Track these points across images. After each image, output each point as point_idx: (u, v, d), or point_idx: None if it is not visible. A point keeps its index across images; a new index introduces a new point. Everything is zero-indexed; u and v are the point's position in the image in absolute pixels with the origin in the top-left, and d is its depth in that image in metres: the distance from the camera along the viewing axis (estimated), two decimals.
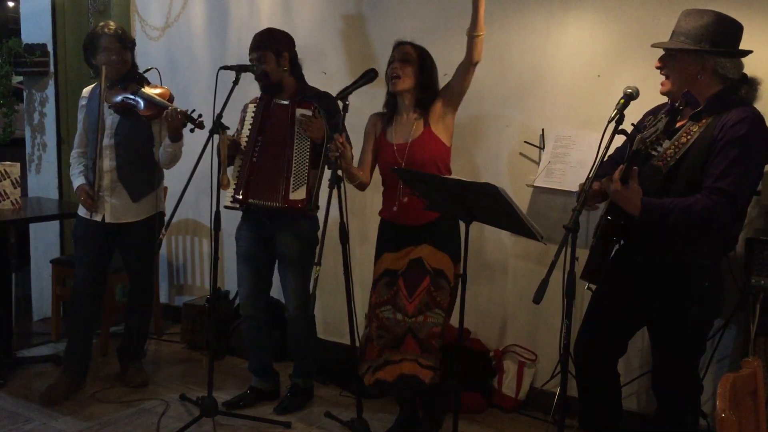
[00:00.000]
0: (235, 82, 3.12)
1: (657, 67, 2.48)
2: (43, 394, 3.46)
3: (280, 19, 4.15)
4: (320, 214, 2.69)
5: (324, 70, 4.02)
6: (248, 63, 3.26)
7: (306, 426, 3.31)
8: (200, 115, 3.22)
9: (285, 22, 4.13)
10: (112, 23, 3.51)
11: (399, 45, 3.05)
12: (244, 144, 3.30)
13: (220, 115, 3.05)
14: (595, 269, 2.53)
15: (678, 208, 2.28)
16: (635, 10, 3.17)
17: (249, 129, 3.31)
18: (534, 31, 3.43)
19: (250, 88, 3.74)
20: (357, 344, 3.00)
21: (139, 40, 4.72)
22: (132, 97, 3.41)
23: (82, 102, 3.60)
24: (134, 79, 3.50)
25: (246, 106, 3.44)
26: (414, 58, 2.98)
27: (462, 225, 2.74)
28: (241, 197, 3.24)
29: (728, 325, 2.96)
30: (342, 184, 2.76)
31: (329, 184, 2.74)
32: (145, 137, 3.49)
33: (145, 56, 4.73)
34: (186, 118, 3.23)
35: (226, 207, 3.27)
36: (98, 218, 3.49)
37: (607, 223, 2.47)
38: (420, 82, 2.99)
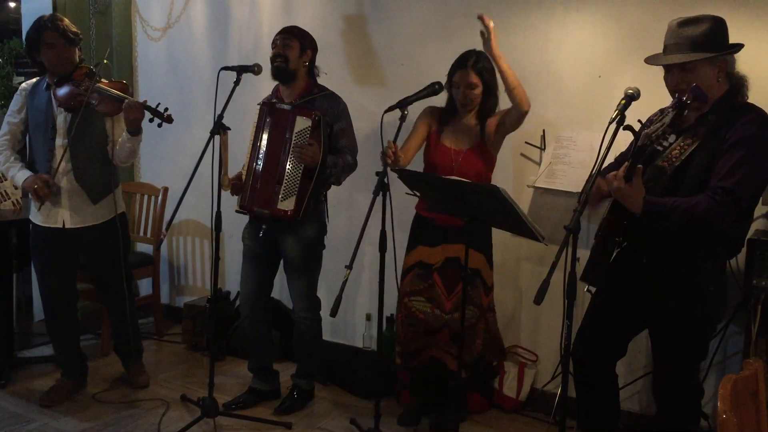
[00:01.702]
0: (236, 83, 3.12)
1: (674, 84, 2.39)
2: (44, 397, 3.45)
3: (280, 19, 4.15)
4: (360, 218, 2.65)
5: (325, 70, 4.00)
6: (248, 64, 3.24)
7: (306, 427, 3.30)
8: (166, 109, 3.15)
9: (285, 23, 4.11)
10: (58, 17, 3.29)
11: (462, 68, 3.10)
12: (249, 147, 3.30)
13: (221, 116, 3.04)
14: (596, 270, 2.52)
15: (680, 208, 2.26)
16: (636, 11, 3.17)
17: (252, 133, 3.29)
18: (534, 32, 3.43)
19: (250, 89, 3.75)
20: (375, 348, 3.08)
21: (140, 41, 4.75)
22: (85, 92, 3.17)
23: (21, 94, 3.37)
24: (85, 74, 3.24)
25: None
26: (478, 84, 3.10)
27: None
28: (246, 204, 3.25)
29: (729, 326, 2.96)
30: (387, 192, 2.72)
31: (374, 190, 2.69)
32: (100, 135, 3.32)
33: (146, 57, 4.74)
34: (149, 110, 3.13)
35: (237, 211, 3.31)
36: (58, 225, 3.30)
37: (609, 223, 2.46)
38: (483, 101, 3.14)
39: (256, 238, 3.35)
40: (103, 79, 3.29)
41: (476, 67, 3.09)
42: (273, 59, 3.27)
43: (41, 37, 3.21)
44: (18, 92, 3.41)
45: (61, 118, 3.26)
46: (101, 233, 3.37)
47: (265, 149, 3.23)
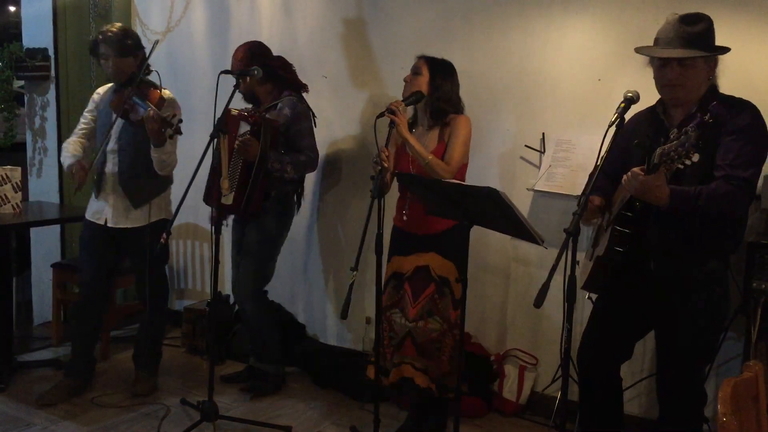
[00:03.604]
0: (236, 87, 3.13)
1: (672, 78, 2.38)
2: (43, 395, 3.47)
3: (280, 23, 4.16)
4: (356, 221, 2.68)
5: (325, 74, 4.02)
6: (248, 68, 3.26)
7: (306, 430, 3.30)
8: (180, 121, 3.19)
9: (285, 27, 4.14)
10: (112, 27, 3.43)
11: (417, 58, 3.14)
12: None
13: (220, 120, 3.05)
14: (599, 280, 2.51)
15: (704, 193, 2.25)
16: (635, 14, 3.17)
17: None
18: (534, 35, 3.43)
19: None
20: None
21: None
22: (133, 102, 3.32)
23: (95, 98, 3.60)
24: (135, 83, 3.35)
25: None
26: (423, 71, 3.06)
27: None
28: (205, 200, 3.52)
29: (729, 329, 2.96)
30: (383, 197, 2.75)
31: (371, 195, 2.72)
32: (147, 143, 3.40)
33: None
34: (162, 122, 3.17)
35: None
36: (101, 222, 3.48)
37: (615, 233, 2.43)
38: (431, 93, 3.05)
39: (239, 230, 3.66)
40: (153, 85, 3.45)
41: (428, 58, 3.10)
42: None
43: (97, 50, 3.41)
44: (93, 96, 3.63)
45: (117, 124, 3.41)
46: (139, 236, 3.47)
47: (220, 151, 3.37)
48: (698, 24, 2.35)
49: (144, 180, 3.45)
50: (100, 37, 3.40)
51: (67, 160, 3.49)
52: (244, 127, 3.34)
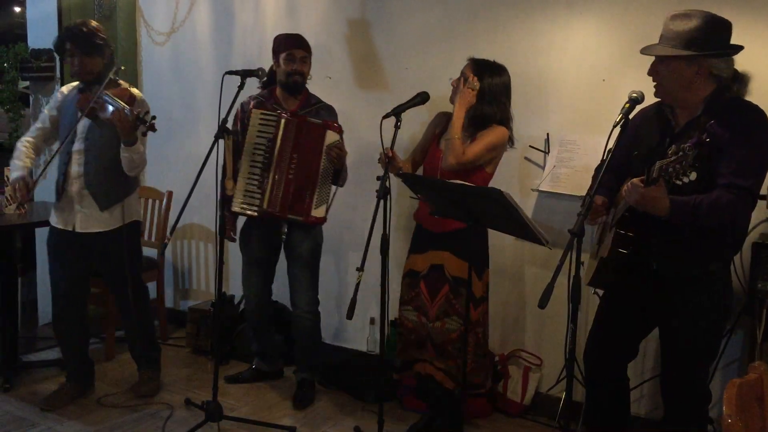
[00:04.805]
0: (240, 87, 3.13)
1: (649, 74, 2.41)
2: (45, 401, 3.45)
3: (285, 23, 4.16)
4: (360, 221, 2.67)
5: (329, 74, 4.03)
6: (252, 68, 3.25)
7: (310, 430, 3.30)
8: (154, 117, 3.07)
9: (290, 27, 4.14)
10: (80, 23, 3.29)
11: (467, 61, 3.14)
12: (252, 151, 3.35)
13: (225, 120, 3.05)
14: (604, 277, 2.52)
15: (705, 203, 2.24)
16: (640, 14, 3.17)
17: (260, 137, 3.35)
18: (538, 36, 3.43)
19: (253, 93, 3.75)
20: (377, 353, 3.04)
21: (145, 45, 4.76)
22: (104, 100, 3.15)
23: (58, 97, 3.42)
24: (104, 81, 3.20)
25: (248, 110, 3.43)
26: (467, 75, 3.07)
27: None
28: (276, 211, 3.34)
29: (734, 329, 2.95)
30: (389, 197, 2.76)
31: (377, 195, 2.73)
32: (114, 143, 3.24)
33: (150, 61, 4.76)
34: (137, 119, 3.05)
35: (245, 215, 3.41)
36: (69, 228, 3.33)
37: (619, 237, 2.44)
38: (476, 105, 3.05)
39: (260, 242, 3.50)
40: (121, 84, 3.32)
41: (473, 60, 3.10)
42: (291, 74, 3.35)
43: (64, 46, 3.27)
44: (57, 91, 3.49)
45: (82, 124, 3.27)
46: (110, 240, 3.35)
47: (298, 160, 3.33)
48: (687, 22, 2.28)
49: (111, 181, 3.32)
50: (68, 34, 3.25)
51: (14, 172, 3.27)
52: (331, 137, 3.31)
